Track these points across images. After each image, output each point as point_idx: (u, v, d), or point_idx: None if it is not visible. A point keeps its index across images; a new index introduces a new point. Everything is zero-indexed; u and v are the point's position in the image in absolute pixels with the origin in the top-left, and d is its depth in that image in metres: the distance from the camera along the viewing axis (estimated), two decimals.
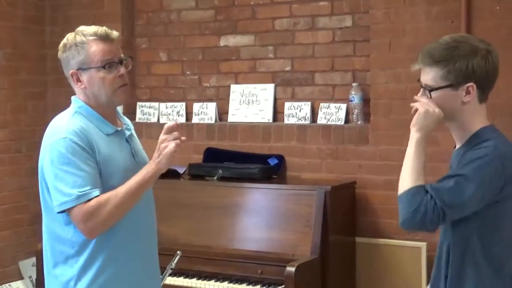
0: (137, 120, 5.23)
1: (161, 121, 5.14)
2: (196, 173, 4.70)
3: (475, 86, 2.33)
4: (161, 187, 4.57)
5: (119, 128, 2.71)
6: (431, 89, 2.35)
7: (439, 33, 4.16)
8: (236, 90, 4.94)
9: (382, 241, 4.35)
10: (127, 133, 2.75)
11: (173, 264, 2.86)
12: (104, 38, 2.64)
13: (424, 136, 2.35)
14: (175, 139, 2.52)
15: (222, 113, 5.01)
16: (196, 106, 5.04)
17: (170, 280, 4.08)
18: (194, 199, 4.39)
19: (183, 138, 2.55)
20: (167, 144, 2.51)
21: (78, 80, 2.65)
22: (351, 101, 4.49)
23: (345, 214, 4.36)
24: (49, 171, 2.55)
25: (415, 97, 2.40)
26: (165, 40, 5.21)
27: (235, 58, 4.97)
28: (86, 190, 2.49)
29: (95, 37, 2.63)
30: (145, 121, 5.20)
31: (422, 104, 2.35)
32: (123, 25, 5.24)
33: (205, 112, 5.00)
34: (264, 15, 4.85)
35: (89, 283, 2.57)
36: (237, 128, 4.86)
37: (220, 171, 4.55)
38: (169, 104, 5.15)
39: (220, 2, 5.00)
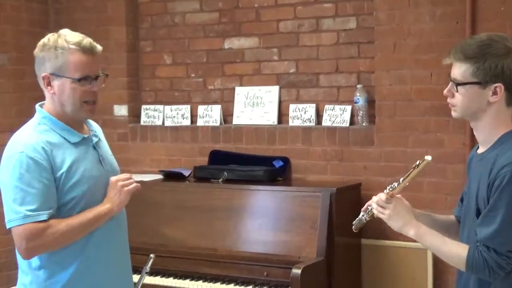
0: (142, 123, 5.24)
1: (166, 124, 5.15)
2: (202, 176, 4.70)
3: (503, 87, 2.30)
4: (167, 189, 4.61)
5: (85, 136, 2.64)
6: (458, 83, 2.33)
7: (443, 34, 4.19)
8: (241, 93, 4.94)
9: (388, 242, 4.33)
10: (95, 139, 2.67)
11: (148, 268, 2.81)
12: (87, 51, 2.55)
13: (412, 228, 2.44)
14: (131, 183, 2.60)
15: (227, 115, 5.00)
16: (201, 109, 5.04)
17: (175, 283, 4.09)
18: (199, 202, 4.38)
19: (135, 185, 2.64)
20: (126, 183, 2.58)
21: (49, 84, 2.58)
22: (356, 102, 4.49)
23: (351, 216, 4.32)
24: (2, 185, 2.50)
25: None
26: (170, 43, 5.21)
27: (239, 61, 4.97)
28: (35, 210, 2.42)
29: (78, 48, 2.53)
30: (150, 124, 5.21)
31: (382, 215, 2.54)
32: (128, 28, 5.25)
33: (210, 115, 5.00)
34: (269, 17, 4.85)
35: None
36: (242, 130, 4.86)
37: (225, 173, 4.55)
38: (174, 106, 5.16)
39: (224, 5, 5.00)
